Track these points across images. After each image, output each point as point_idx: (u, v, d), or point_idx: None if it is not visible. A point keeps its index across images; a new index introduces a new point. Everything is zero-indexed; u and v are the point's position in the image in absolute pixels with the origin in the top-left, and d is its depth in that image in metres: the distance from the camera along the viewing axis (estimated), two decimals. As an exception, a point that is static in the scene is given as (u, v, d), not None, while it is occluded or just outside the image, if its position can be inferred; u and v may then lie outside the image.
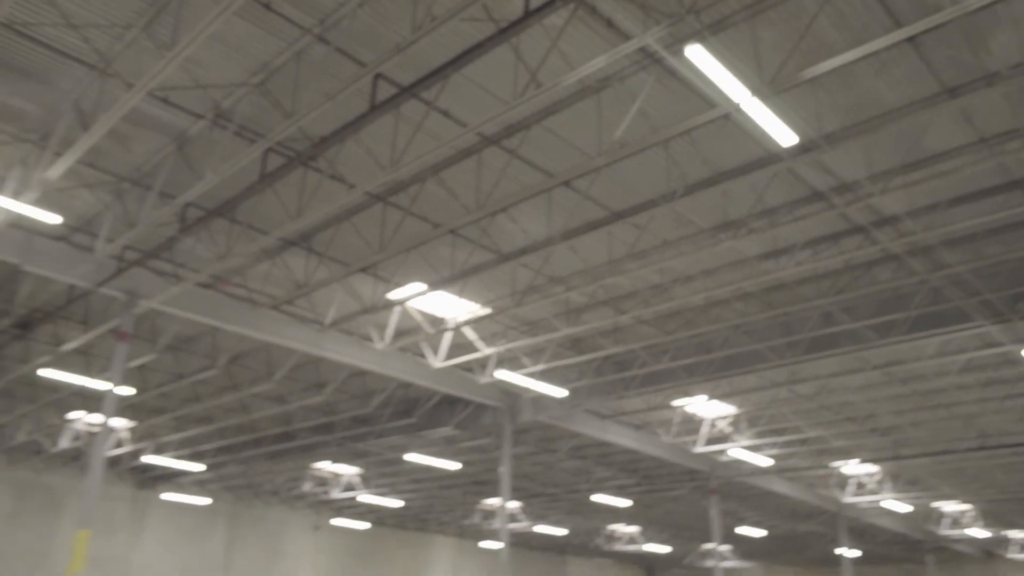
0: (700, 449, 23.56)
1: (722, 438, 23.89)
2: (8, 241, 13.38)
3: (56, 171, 10.62)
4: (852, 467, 26.69)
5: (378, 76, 9.64)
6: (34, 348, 18.55)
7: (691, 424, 23.24)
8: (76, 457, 30.12)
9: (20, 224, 13.39)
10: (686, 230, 13.11)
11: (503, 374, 17.42)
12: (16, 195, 11.94)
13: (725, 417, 22.27)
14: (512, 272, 14.62)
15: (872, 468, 27.23)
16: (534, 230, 13.22)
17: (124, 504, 32.10)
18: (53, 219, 11.75)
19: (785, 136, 9.06)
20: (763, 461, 24.68)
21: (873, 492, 30.33)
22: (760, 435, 23.61)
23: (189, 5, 8.80)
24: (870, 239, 12.72)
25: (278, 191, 12.12)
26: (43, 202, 12.67)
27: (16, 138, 11.65)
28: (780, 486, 28.51)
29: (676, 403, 20.82)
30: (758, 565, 49.59)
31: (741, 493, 31.49)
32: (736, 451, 23.68)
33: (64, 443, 26.26)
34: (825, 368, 18.40)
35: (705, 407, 21.18)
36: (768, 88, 8.39)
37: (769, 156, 10.95)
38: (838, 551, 41.99)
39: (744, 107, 8.50)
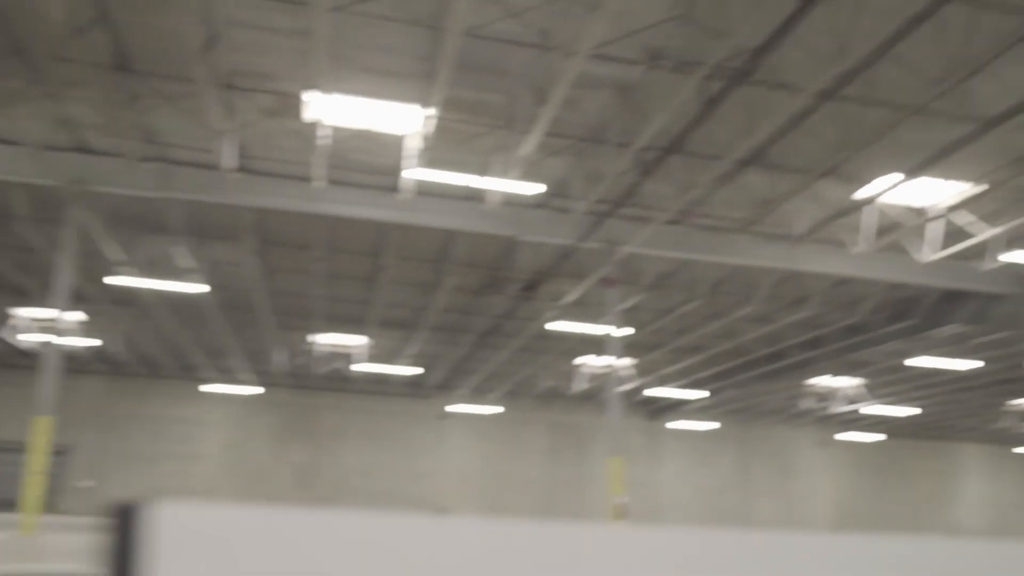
0: None
1: None
2: (501, 218, 15.37)
3: (527, 148, 11.86)
4: None
5: (805, -36, 8.94)
6: (540, 306, 21.10)
7: None
8: (591, 397, 33.74)
9: (509, 201, 15.26)
10: None
11: (1012, 255, 15.14)
12: (502, 175, 13.63)
13: None
14: (1003, 138, 12.55)
15: None
16: (1021, 84, 11.16)
17: (639, 434, 35.18)
18: (537, 189, 13.10)
19: None
20: None
21: None
22: None
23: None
24: None
25: (725, 114, 11.98)
26: (524, 176, 14.25)
27: (492, 127, 13.26)
28: None
29: None
30: None
31: None
32: None
33: (580, 385, 29.59)
34: None
35: None
36: None
37: None
38: None
39: None
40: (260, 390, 32.97)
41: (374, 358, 28.34)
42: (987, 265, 16.49)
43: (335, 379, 31.94)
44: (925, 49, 10.51)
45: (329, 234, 17.16)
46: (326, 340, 25.88)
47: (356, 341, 25.82)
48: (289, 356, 28.76)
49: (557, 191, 15.21)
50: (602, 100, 12.19)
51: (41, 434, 12.51)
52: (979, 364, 24.93)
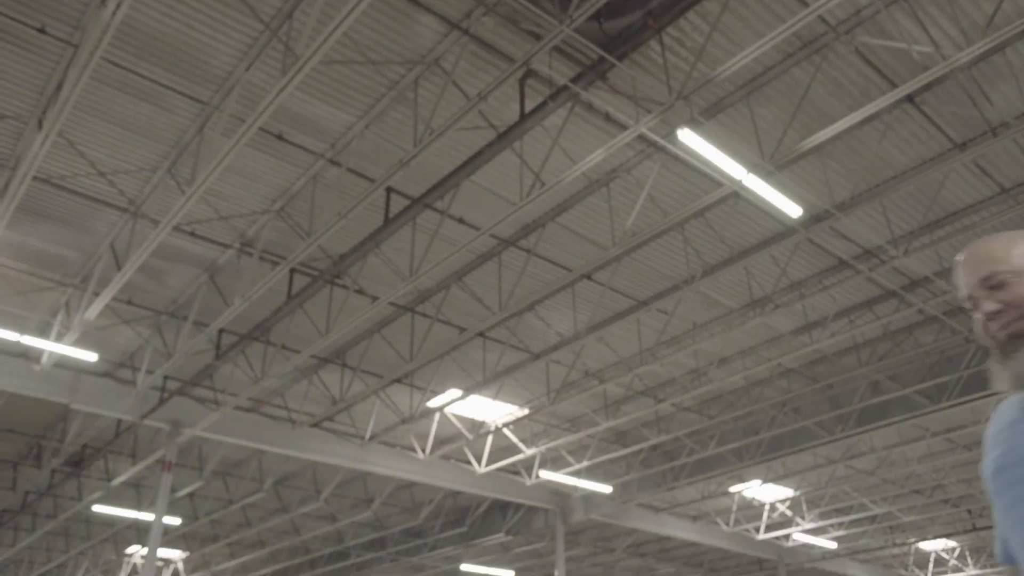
0: (763, 536, 22.69)
1: (785, 522, 23.00)
2: (56, 382, 13.79)
3: (94, 311, 11.01)
4: (928, 543, 25.40)
5: (390, 190, 9.97)
6: (87, 484, 18.80)
7: (751, 510, 22.46)
8: (135, 594, 29.97)
9: (66, 364, 13.80)
10: (714, 311, 13.05)
11: (548, 474, 17.15)
12: (59, 337, 12.38)
13: (784, 500, 21.50)
14: (546, 370, 14.59)
15: (949, 543, 25.85)
16: (562, 326, 13.26)
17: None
18: (90, 357, 12.11)
19: (791, 209, 9.10)
20: (831, 543, 23.64)
21: (956, 569, 28.70)
22: (824, 516, 22.68)
23: (208, 143, 9.26)
24: (904, 303, 12.50)
25: (307, 310, 12.39)
26: (85, 341, 13.08)
27: (59, 283, 12.17)
28: (855, 569, 27.18)
29: (732, 489, 20.20)
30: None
31: (816, 580, 30.06)
32: (801, 535, 22.76)
33: (122, 580, 26.23)
34: (882, 440, 17.77)
35: (762, 491, 20.49)
36: (770, 163, 8.49)
37: (786, 229, 10.95)
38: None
39: (746, 184, 8.59)
40: None
41: None
42: (528, 481, 18.43)
43: None
44: (489, 282, 12.07)
45: None
46: None
47: None
48: None
49: (125, 361, 14.18)
50: (188, 276, 11.93)
51: None
52: (512, 573, 27.07)
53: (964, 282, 1.71)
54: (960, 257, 1.74)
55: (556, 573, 19.61)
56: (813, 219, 10.45)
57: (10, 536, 22.51)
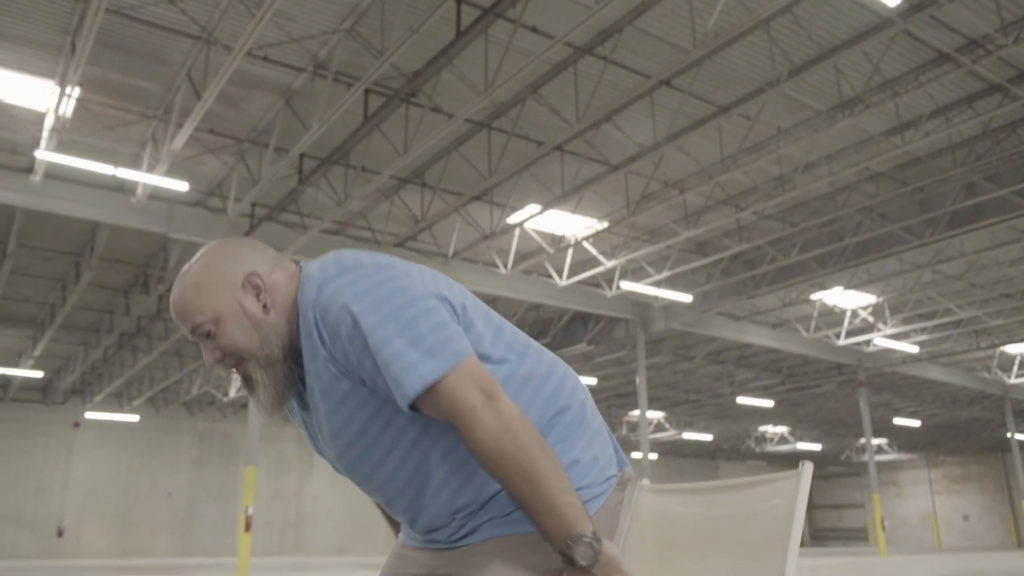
0: (844, 342, 22.87)
1: (866, 328, 23.06)
2: (152, 212, 14.42)
3: (179, 141, 11.30)
4: (1014, 347, 25.21)
5: (460, 1, 9.63)
6: (191, 308, 19.98)
7: (831, 317, 22.54)
8: (245, 404, 32.56)
9: (160, 195, 14.36)
10: (800, 114, 12.53)
11: (629, 285, 17.42)
12: (150, 168, 12.81)
13: (866, 307, 21.45)
14: (624, 181, 14.46)
15: (1037, 344, 25.60)
16: (640, 136, 12.98)
17: (292, 444, 34.58)
18: (181, 186, 12.53)
19: (890, -3, 8.47)
20: (912, 348, 23.70)
21: (1042, 370, 28.59)
22: (906, 322, 22.62)
23: (272, -40, 9.00)
24: (1009, 96, 11.75)
25: (384, 131, 12.40)
26: (175, 172, 13.49)
27: (143, 116, 12.43)
28: (936, 373, 27.34)
29: (813, 297, 20.21)
30: (919, 456, 48.02)
31: (894, 384, 30.44)
32: (882, 340, 22.84)
33: (232, 392, 28.44)
34: (972, 243, 17.29)
35: (843, 298, 20.46)
36: (867, -52, 7.83)
37: (881, 22, 10.23)
38: (1008, 435, 40.04)
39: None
40: None
41: (-11, 358, 24.91)
42: (609, 292, 18.79)
43: (-64, 381, 27.56)
44: (565, 94, 11.80)
45: (-65, 212, 14.86)
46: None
47: (-34, 338, 22.46)
48: None
49: (214, 190, 14.64)
50: (266, 102, 12.00)
51: None
52: (595, 381, 28.20)
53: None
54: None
55: (637, 380, 20.37)
56: (912, 8, 9.72)
57: (131, 357, 24.43)
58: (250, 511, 14.75)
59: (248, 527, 14.74)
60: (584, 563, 1.29)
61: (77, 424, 30.70)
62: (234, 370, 1.46)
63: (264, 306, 1.42)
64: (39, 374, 26.60)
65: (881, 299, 20.61)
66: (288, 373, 1.44)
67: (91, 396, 29.83)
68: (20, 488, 29.32)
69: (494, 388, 1.32)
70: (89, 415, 30.48)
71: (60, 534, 29.54)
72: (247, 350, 1.41)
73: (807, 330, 22.96)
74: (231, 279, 1.43)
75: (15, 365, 25.56)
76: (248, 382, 1.45)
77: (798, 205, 15.66)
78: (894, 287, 20.06)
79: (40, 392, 30.21)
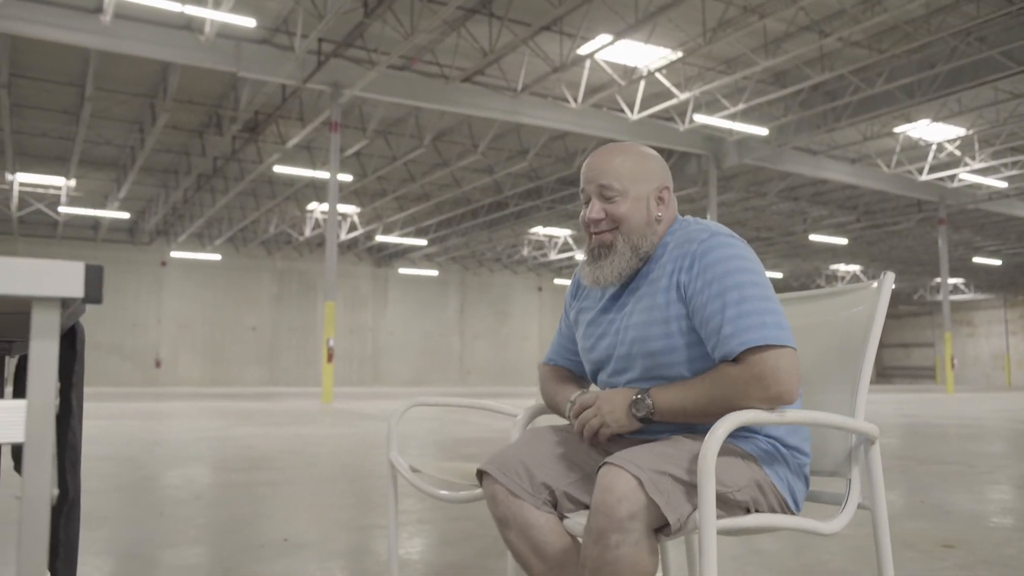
0: (926, 177, 22.06)
1: (952, 163, 22.12)
2: (221, 51, 14.41)
3: (244, -27, 11.09)
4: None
5: None
6: (264, 148, 20.33)
7: (915, 151, 21.62)
8: (321, 243, 33.54)
9: (227, 33, 14.28)
10: (896, -73, 11.56)
11: (702, 118, 16.94)
12: (216, 4, 12.69)
13: (954, 140, 20.45)
14: (701, 7, 13.75)
15: None
16: (720, -44, 12.21)
17: (367, 281, 35.76)
18: (248, 22, 12.43)
19: None
20: (1000, 183, 22.74)
21: None
22: (996, 156, 21.57)
23: None
24: None
25: (450, -42, 11.93)
26: (241, 7, 13.34)
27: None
28: (1022, 210, 26.31)
29: (897, 130, 19.36)
30: (996, 296, 47.02)
31: (976, 221, 29.48)
32: (968, 175, 21.93)
33: (307, 231, 29.23)
34: (1077, 68, 16.11)
35: (930, 131, 19.52)
36: None
37: None
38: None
39: None
40: (-63, 233, 29.08)
41: (81, 201, 25.94)
42: (682, 126, 18.32)
43: (38, 224, 28.96)
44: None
45: (12, 56, 15.11)
46: (24, 180, 23.13)
47: (59, 182, 23.34)
48: (-28, 195, 25.47)
49: (279, 27, 14.48)
50: (327, -71, 11.62)
51: None
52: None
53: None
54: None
55: (708, 217, 20.16)
56: None
57: (209, 198, 25.17)
58: (331, 343, 15.53)
59: (330, 358, 15.57)
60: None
61: (164, 263, 32.20)
62: (596, 234, 1.71)
63: (658, 215, 1.71)
64: (125, 215, 27.73)
65: (971, 131, 19.59)
66: (636, 265, 1.71)
67: (175, 236, 31.08)
68: (119, 323, 31.28)
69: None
70: (174, 254, 31.89)
71: (158, 364, 31.72)
72: (630, 225, 1.68)
73: (888, 165, 22.15)
74: (654, 179, 1.72)
75: (102, 207, 26.62)
76: (604, 248, 1.71)
77: (888, 30, 14.73)
78: (986, 119, 19.03)
79: (128, 233, 31.56)
